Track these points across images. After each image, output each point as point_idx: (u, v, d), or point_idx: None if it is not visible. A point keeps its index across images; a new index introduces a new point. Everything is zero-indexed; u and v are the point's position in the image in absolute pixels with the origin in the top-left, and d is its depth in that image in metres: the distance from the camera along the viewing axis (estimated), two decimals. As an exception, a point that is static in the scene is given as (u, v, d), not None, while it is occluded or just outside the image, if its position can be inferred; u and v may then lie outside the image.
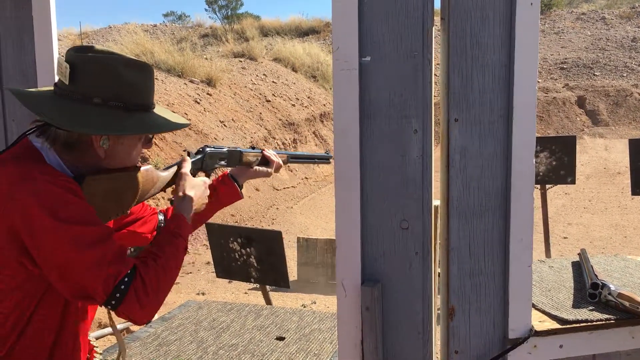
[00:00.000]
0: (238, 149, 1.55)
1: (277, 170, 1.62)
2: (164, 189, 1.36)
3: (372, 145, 1.35)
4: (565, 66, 18.82)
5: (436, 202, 1.41)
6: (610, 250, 5.67)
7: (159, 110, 1.24)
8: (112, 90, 1.13)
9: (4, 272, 1.07)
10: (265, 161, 1.59)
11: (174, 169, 1.37)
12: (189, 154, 1.43)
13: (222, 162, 1.50)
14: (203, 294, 4.84)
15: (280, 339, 1.73)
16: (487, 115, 1.34)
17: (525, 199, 1.35)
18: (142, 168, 1.28)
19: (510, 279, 1.35)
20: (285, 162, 1.67)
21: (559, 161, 4.36)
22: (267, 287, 3.57)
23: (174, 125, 1.26)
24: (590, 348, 1.41)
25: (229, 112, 9.71)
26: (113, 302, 1.04)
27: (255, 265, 3.39)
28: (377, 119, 1.35)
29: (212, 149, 1.48)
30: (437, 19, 1.33)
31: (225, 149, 1.52)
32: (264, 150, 1.61)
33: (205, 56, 12.66)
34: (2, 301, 1.08)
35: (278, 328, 1.80)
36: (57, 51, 1.72)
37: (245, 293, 4.88)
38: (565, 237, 6.41)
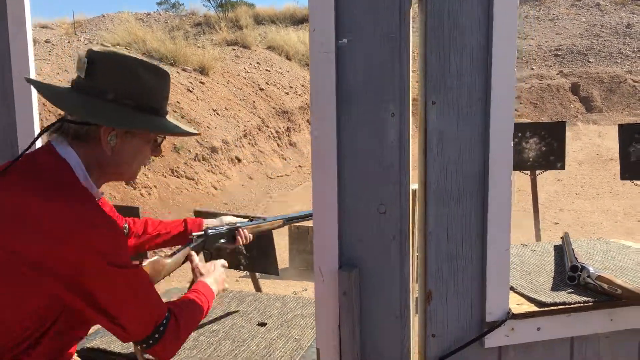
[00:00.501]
0: (237, 225, 1.64)
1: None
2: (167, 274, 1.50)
3: (349, 129, 1.34)
4: (559, 53, 18.80)
5: (414, 186, 1.40)
6: (600, 235, 5.69)
7: (171, 119, 1.27)
8: (126, 88, 1.15)
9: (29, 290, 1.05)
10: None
11: (179, 257, 1.50)
12: (191, 240, 1.56)
13: (222, 240, 1.59)
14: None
15: (262, 324, 1.73)
16: (464, 98, 1.33)
17: (503, 182, 1.34)
18: (148, 260, 1.39)
19: (488, 262, 1.35)
20: (280, 226, 1.76)
21: (548, 147, 4.36)
22: (257, 274, 3.57)
23: (183, 130, 1.28)
24: (568, 331, 1.41)
25: (222, 100, 9.66)
26: (150, 342, 1.12)
27: (244, 252, 3.38)
28: (354, 103, 1.33)
29: (214, 231, 1.57)
30: (414, 0, 1.32)
31: (224, 229, 1.62)
32: (240, 230, 1.69)
33: (198, 44, 12.57)
34: (19, 305, 1.05)
35: (260, 314, 1.80)
36: (32, 39, 1.69)
37: (237, 281, 4.89)
38: (556, 223, 6.43)
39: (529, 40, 19.74)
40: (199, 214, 3.54)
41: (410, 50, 1.32)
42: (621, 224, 6.19)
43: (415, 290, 1.45)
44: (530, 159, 4.47)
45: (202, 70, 10.07)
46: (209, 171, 7.25)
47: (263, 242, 3.32)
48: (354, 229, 1.36)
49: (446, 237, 1.35)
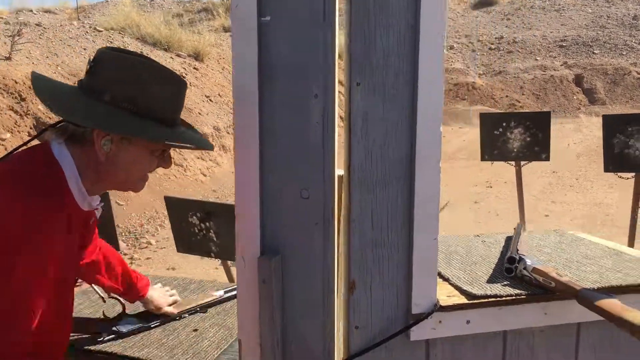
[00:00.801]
0: (152, 325, 1.59)
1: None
2: None
3: (271, 111, 1.28)
4: (564, 44, 18.57)
5: (340, 171, 1.34)
6: (589, 228, 5.61)
7: (186, 129, 1.19)
8: (125, 90, 1.07)
9: None
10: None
11: None
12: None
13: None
14: (173, 269, 4.82)
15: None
16: (391, 80, 1.26)
17: (431, 168, 1.28)
18: None
19: (414, 251, 1.29)
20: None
21: (533, 137, 4.28)
22: (229, 263, 3.53)
23: (186, 139, 1.18)
24: (500, 324, 1.36)
25: (215, 86, 9.58)
26: None
27: (215, 239, 3.34)
28: (277, 83, 1.27)
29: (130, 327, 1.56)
30: (341, -24, 1.25)
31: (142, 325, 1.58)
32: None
33: (195, 30, 12.46)
34: None
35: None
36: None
37: (216, 269, 4.86)
38: (546, 215, 6.35)
39: (534, 30, 19.51)
40: (169, 200, 3.50)
41: (337, 28, 1.26)
42: (612, 216, 6.10)
43: (341, 278, 1.40)
44: (515, 150, 4.39)
45: (197, 56, 9.98)
46: (198, 158, 7.20)
47: (234, 229, 3.28)
48: (276, 213, 1.31)
49: (371, 224, 1.29)
